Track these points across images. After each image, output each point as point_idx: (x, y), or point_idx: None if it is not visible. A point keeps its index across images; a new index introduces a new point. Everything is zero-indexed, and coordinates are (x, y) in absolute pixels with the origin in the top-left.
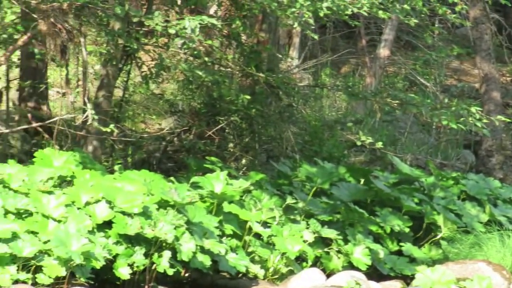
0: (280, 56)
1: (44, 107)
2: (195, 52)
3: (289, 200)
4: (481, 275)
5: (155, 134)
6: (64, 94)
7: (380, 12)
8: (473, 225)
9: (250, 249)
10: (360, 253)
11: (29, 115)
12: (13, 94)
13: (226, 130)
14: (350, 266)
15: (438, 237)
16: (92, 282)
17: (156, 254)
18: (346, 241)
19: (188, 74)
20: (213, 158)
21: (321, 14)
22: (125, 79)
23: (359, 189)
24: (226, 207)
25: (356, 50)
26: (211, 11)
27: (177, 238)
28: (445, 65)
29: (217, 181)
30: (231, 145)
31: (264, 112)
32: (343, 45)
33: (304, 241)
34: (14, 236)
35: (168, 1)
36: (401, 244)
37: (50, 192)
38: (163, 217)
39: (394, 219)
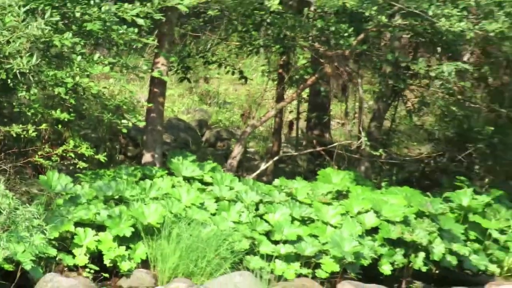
0: None
1: (327, 135)
2: (451, 91)
3: None
4: None
5: (415, 157)
6: (343, 125)
7: None
8: None
9: (489, 252)
10: None
11: (314, 141)
12: (302, 124)
13: (473, 155)
14: None
15: None
16: (360, 277)
17: (413, 255)
18: None
19: (444, 109)
20: (462, 178)
21: None
22: (393, 112)
23: None
24: (471, 217)
25: None
26: (465, 58)
27: (430, 242)
28: None
29: (464, 196)
30: (476, 167)
31: (505, 141)
32: None
33: None
34: (299, 239)
35: (430, 50)
36: None
37: (329, 204)
38: (420, 225)
39: None
